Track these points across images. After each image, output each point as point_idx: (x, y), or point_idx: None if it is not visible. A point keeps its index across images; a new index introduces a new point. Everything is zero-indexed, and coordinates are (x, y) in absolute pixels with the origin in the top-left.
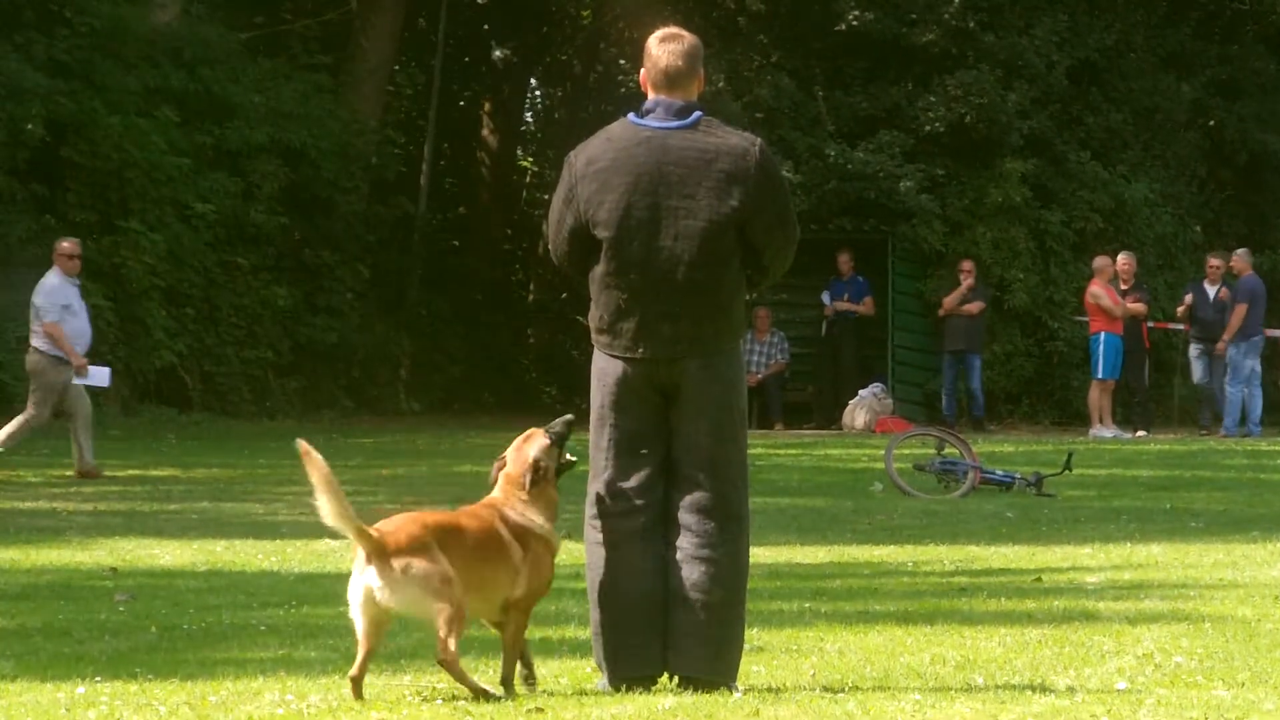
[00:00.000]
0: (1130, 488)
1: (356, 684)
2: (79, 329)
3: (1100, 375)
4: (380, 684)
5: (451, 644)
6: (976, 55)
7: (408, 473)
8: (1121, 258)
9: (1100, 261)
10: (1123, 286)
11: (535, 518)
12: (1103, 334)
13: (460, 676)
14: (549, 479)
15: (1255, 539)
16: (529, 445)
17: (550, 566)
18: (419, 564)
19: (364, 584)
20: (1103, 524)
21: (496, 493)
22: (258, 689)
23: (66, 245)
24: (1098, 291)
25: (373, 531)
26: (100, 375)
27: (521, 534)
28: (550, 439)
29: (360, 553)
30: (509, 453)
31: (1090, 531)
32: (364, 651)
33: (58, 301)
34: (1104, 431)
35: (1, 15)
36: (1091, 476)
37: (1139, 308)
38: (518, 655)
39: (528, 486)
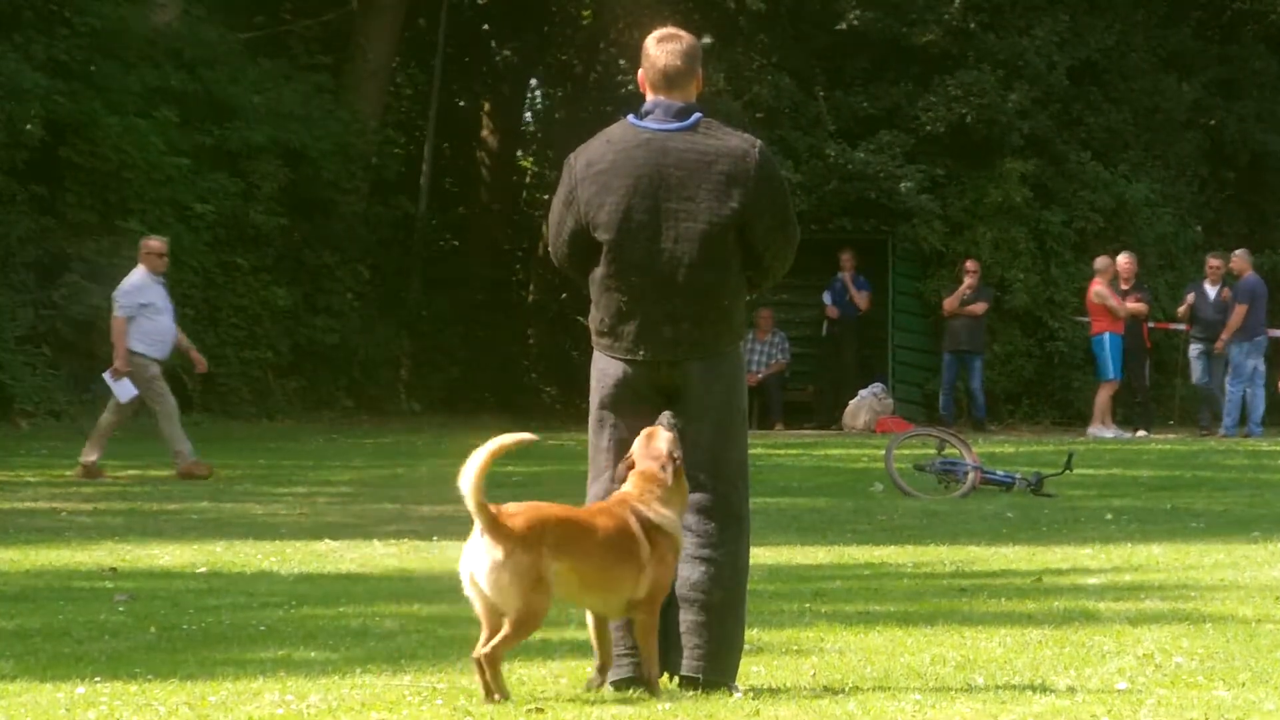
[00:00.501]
0: (1131, 488)
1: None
2: (164, 327)
3: (1110, 376)
4: (380, 684)
5: (504, 648)
6: (977, 55)
7: (408, 473)
8: (1122, 258)
9: (1102, 261)
10: (1123, 287)
11: (669, 513)
12: (1107, 334)
13: (494, 678)
14: (681, 471)
15: (1256, 539)
16: (656, 440)
17: (674, 565)
18: (521, 558)
19: (470, 560)
20: (1103, 524)
21: (629, 488)
22: (257, 689)
23: (155, 244)
24: (1103, 292)
25: (492, 508)
26: (126, 391)
27: (651, 531)
28: (674, 432)
29: (475, 527)
30: (635, 451)
31: (1090, 532)
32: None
33: (136, 299)
34: (1104, 432)
35: (1, 15)
36: (1092, 477)
37: (1140, 307)
38: (652, 652)
39: (670, 479)
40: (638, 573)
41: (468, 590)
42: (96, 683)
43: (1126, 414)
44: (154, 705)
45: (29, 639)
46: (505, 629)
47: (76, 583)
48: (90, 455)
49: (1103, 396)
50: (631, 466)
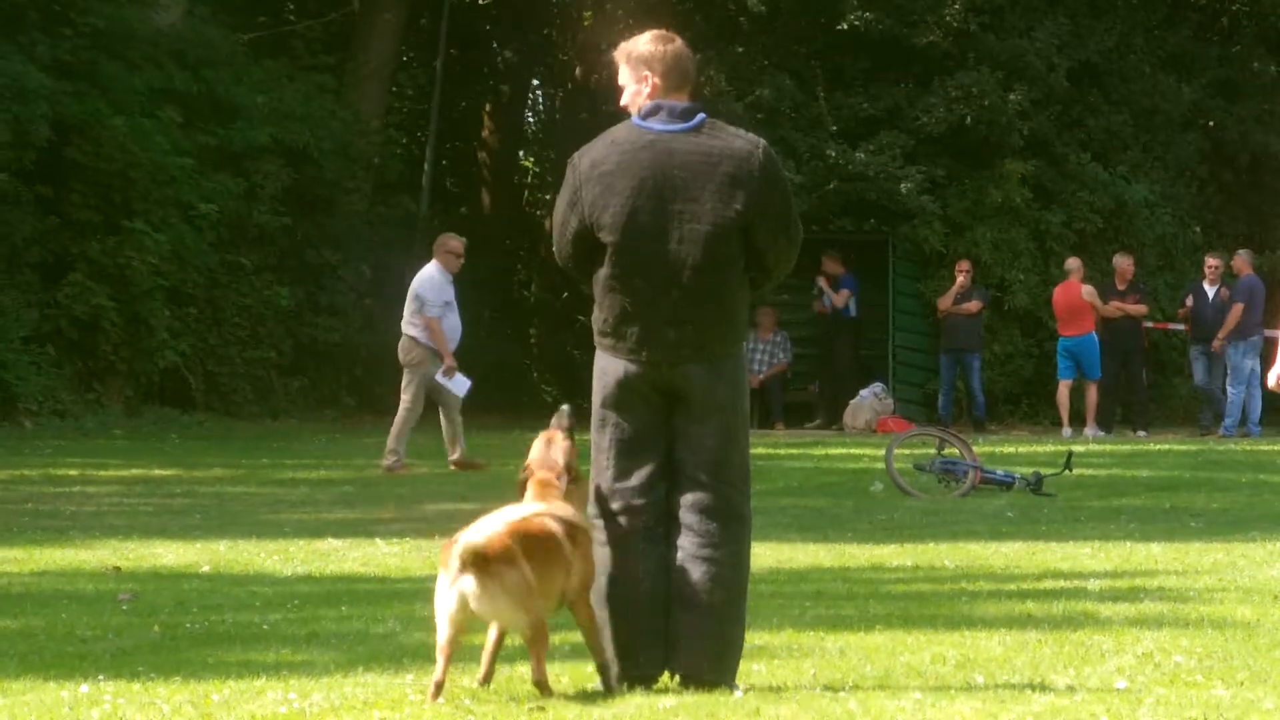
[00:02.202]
0: (1130, 488)
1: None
2: (454, 325)
3: (1098, 375)
4: (383, 683)
5: (543, 662)
6: (977, 57)
7: (408, 473)
8: (1118, 259)
9: (1073, 262)
10: (1120, 287)
11: (575, 510)
12: (1093, 334)
13: (545, 688)
14: (578, 477)
15: (1255, 539)
16: (553, 450)
17: (593, 556)
18: (510, 574)
19: (460, 593)
20: (1103, 524)
21: (530, 498)
22: (260, 688)
23: (455, 244)
24: (1094, 291)
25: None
26: (461, 384)
27: (571, 530)
28: (569, 437)
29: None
30: (534, 457)
31: (1090, 531)
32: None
33: (441, 297)
34: (1099, 431)
35: (5, 16)
36: (1091, 477)
37: (1139, 308)
38: (601, 643)
39: (563, 489)
40: (567, 575)
41: (450, 621)
42: (100, 681)
43: (1126, 414)
44: (157, 704)
45: (33, 638)
46: (529, 645)
47: (80, 582)
48: (455, 453)
49: (1095, 396)
50: (530, 474)
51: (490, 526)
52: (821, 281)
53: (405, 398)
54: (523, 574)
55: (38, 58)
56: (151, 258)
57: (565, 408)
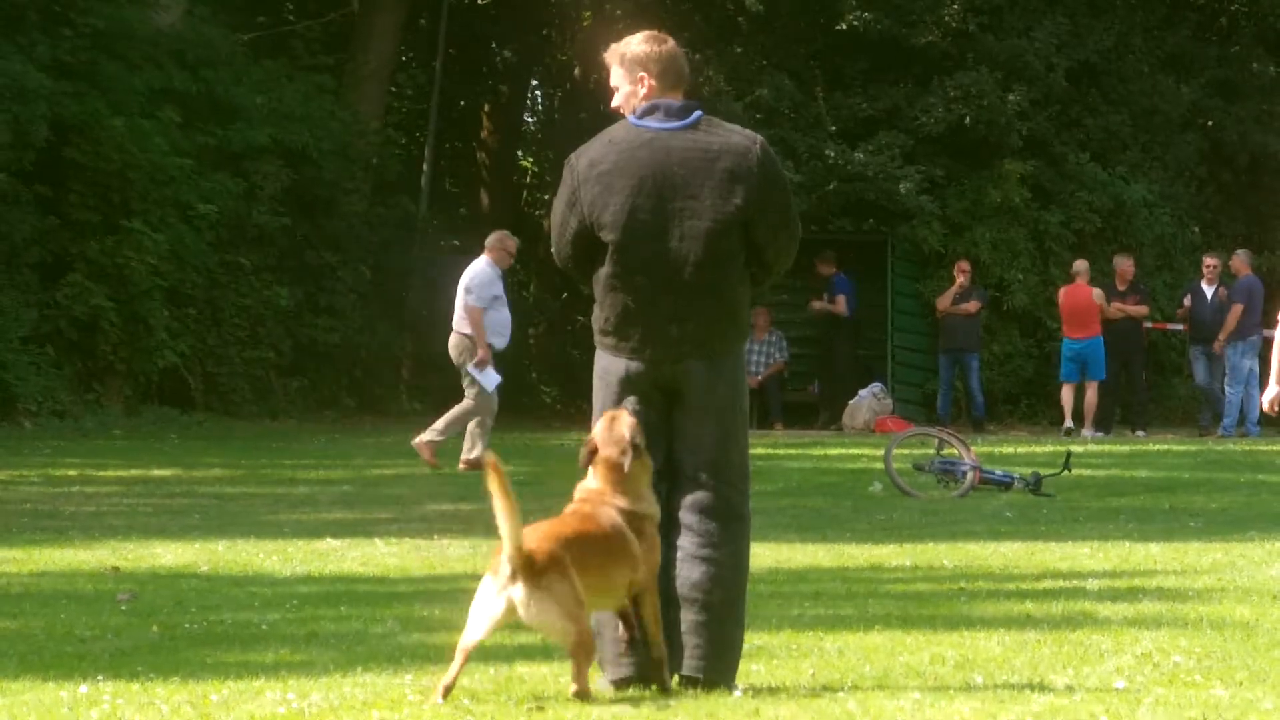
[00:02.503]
0: (1129, 488)
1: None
2: (504, 320)
3: (1103, 376)
4: (382, 683)
5: (586, 675)
6: (976, 57)
7: (409, 472)
8: (1118, 260)
9: (1080, 264)
10: (1120, 288)
11: (643, 495)
12: (1100, 336)
13: (584, 694)
14: (643, 453)
15: (1253, 539)
16: (620, 425)
17: (659, 543)
18: (560, 585)
19: (507, 599)
20: (1101, 524)
21: (593, 479)
22: (259, 688)
23: (511, 243)
24: (1103, 293)
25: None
26: (491, 379)
27: (634, 520)
28: (636, 417)
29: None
30: (597, 435)
31: (1089, 531)
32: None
33: (490, 291)
34: (1097, 433)
35: (5, 17)
36: (1090, 477)
37: (1140, 309)
38: (660, 637)
39: (628, 466)
40: (633, 568)
41: (489, 625)
42: (99, 681)
43: (1125, 414)
44: (156, 704)
45: (32, 638)
46: (572, 658)
47: (79, 582)
48: (471, 453)
49: (1093, 398)
50: (594, 451)
51: (544, 533)
52: (818, 304)
53: (468, 389)
54: (572, 585)
55: (37, 58)
56: (150, 258)
57: (632, 398)
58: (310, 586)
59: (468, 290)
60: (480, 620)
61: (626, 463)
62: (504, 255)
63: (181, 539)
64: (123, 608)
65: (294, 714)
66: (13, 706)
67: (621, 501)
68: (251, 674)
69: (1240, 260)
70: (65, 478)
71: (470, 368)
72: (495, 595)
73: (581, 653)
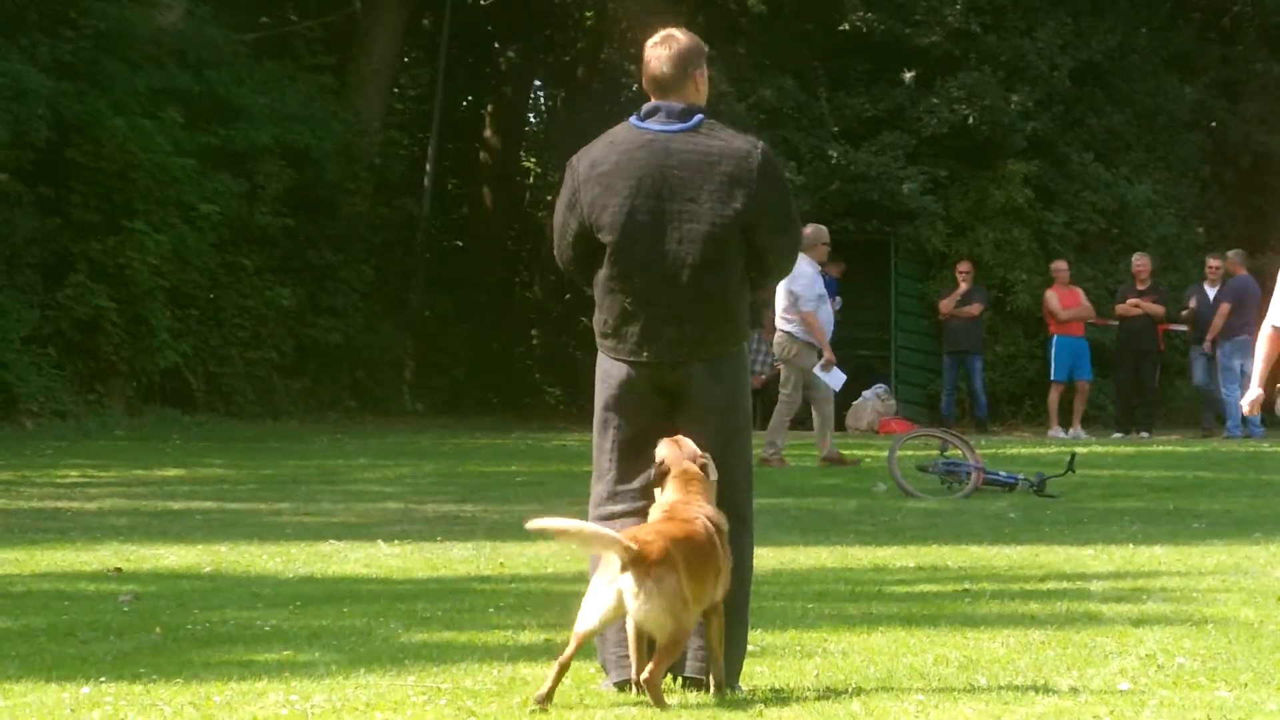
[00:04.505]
0: (1133, 489)
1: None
2: (829, 315)
3: (1090, 376)
4: (384, 685)
5: (662, 669)
6: (979, 57)
7: (412, 473)
8: (1137, 258)
9: (1061, 264)
10: (1139, 287)
11: (718, 511)
12: (1056, 336)
13: (657, 697)
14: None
15: (1258, 540)
16: (687, 442)
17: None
18: (671, 582)
19: (619, 593)
20: (1105, 525)
21: (673, 493)
22: (262, 689)
23: (825, 235)
24: (1053, 294)
25: (627, 538)
26: (838, 378)
27: (719, 533)
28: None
29: (613, 561)
30: (667, 455)
31: (1093, 533)
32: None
33: (815, 291)
34: (1060, 433)
35: (6, 17)
36: (1094, 478)
37: (1157, 308)
38: (721, 652)
39: (714, 475)
40: (717, 580)
41: (600, 617)
42: (101, 683)
43: (1131, 415)
44: (159, 705)
45: (34, 639)
46: (660, 651)
47: (81, 583)
48: (824, 448)
49: (1054, 397)
50: (666, 472)
51: (657, 530)
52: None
53: (784, 391)
54: (679, 582)
55: (38, 58)
56: (152, 258)
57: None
58: (313, 588)
59: (794, 295)
60: (592, 611)
61: (712, 470)
62: (822, 250)
63: (184, 540)
64: (125, 609)
65: (296, 715)
66: (15, 708)
67: (710, 511)
68: (254, 675)
69: (1234, 260)
70: (67, 479)
71: (817, 370)
72: (606, 586)
73: (669, 651)
